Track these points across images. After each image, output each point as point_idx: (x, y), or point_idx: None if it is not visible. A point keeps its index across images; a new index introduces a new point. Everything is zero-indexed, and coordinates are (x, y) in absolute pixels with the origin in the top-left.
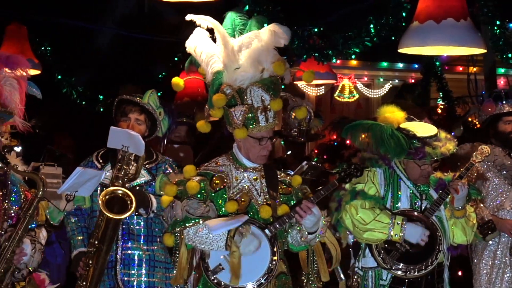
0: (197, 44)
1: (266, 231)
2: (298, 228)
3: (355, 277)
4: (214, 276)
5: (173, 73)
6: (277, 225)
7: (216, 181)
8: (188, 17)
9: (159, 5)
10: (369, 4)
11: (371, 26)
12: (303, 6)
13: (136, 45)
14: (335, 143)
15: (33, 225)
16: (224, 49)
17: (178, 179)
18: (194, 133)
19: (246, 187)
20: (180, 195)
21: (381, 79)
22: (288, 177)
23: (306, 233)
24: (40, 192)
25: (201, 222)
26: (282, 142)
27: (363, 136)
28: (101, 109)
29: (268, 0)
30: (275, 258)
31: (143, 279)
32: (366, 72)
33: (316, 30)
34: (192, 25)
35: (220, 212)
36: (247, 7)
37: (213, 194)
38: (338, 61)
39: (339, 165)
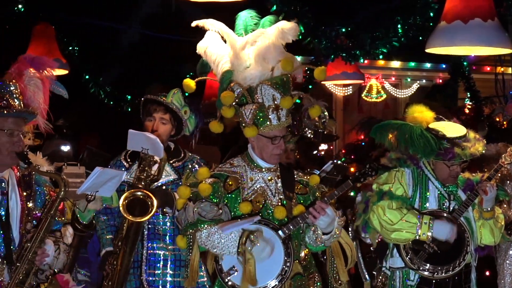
0: (207, 45)
1: (280, 232)
2: (313, 228)
3: (381, 277)
4: (228, 278)
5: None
6: (291, 226)
7: (230, 182)
8: (194, 23)
9: (185, 5)
10: (396, 4)
11: (399, 26)
12: (331, 6)
13: (163, 45)
14: (363, 143)
15: (57, 226)
16: (231, 49)
17: (192, 181)
18: (222, 133)
19: (261, 188)
20: (194, 198)
21: (409, 79)
22: (306, 177)
23: (321, 233)
24: (62, 192)
25: (213, 225)
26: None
27: (391, 136)
28: (129, 109)
29: (296, 0)
30: (289, 259)
31: (168, 279)
32: (393, 72)
33: (343, 30)
34: None
35: (236, 213)
36: (274, 7)
37: (227, 196)
38: (366, 61)
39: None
